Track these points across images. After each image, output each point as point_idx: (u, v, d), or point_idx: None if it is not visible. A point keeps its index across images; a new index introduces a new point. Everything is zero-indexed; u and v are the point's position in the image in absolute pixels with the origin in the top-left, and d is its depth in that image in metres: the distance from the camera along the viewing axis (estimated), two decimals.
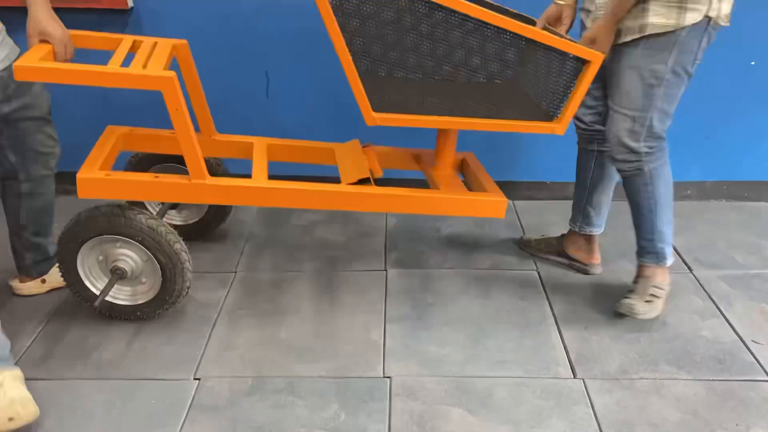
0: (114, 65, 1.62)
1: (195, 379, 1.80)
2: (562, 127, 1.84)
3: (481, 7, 1.66)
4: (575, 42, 1.75)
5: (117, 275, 1.88)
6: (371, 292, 2.20)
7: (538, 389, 1.80)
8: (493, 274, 2.32)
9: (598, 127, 2.07)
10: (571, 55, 1.74)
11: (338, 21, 1.62)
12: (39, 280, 2.10)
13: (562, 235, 2.38)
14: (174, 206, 2.37)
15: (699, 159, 2.81)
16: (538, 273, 2.34)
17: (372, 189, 1.92)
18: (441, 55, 1.74)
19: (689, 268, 2.39)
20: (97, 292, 1.92)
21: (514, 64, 1.77)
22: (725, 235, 2.62)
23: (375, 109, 1.77)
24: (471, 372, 1.86)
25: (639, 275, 2.08)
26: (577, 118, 2.10)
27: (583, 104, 2.02)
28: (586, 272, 2.32)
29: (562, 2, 1.97)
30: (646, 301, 2.01)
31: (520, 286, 2.26)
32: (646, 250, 2.05)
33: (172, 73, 1.61)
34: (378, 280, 2.26)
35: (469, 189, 2.09)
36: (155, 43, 1.84)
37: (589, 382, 1.83)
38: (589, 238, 2.30)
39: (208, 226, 2.42)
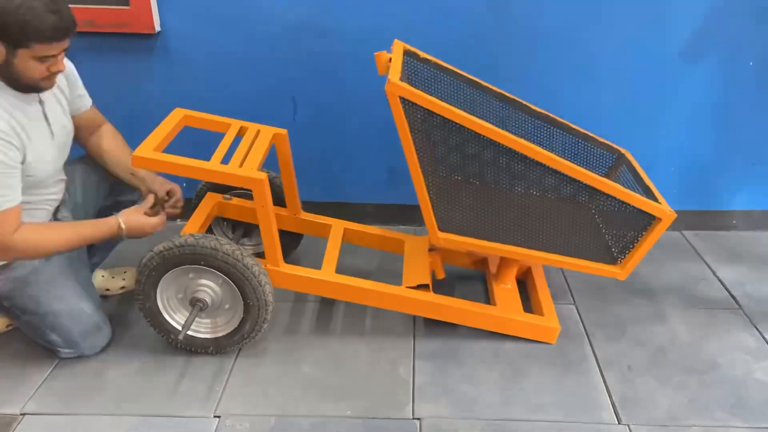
0: (215, 162, 1.76)
1: (215, 416, 1.72)
2: (624, 273, 1.90)
3: (561, 158, 1.74)
4: (647, 199, 1.79)
5: (198, 307, 1.83)
6: (400, 325, 2.10)
7: None
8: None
9: None
10: (642, 210, 1.79)
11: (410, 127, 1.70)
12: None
13: None
14: (246, 234, 2.36)
15: (746, 186, 2.67)
16: (576, 307, 2.21)
17: (429, 297, 1.98)
18: (507, 178, 1.81)
19: (739, 304, 2.24)
20: (176, 326, 1.89)
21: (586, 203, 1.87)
22: None
23: (441, 229, 1.86)
24: (507, 415, 1.74)
25: None
26: None
27: None
28: None
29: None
30: None
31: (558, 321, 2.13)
32: None
33: (263, 175, 1.72)
34: (406, 313, 2.15)
35: (529, 299, 2.21)
36: (258, 131, 1.98)
37: (636, 428, 1.70)
38: None
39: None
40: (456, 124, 1.69)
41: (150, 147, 1.74)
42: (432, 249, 2.19)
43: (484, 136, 1.70)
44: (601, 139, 2.10)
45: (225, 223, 2.35)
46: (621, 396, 1.81)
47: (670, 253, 2.58)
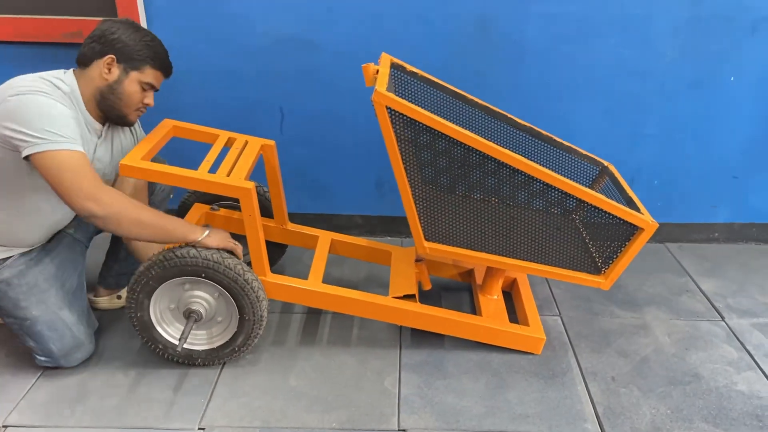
0: (203, 171, 1.76)
1: (200, 429, 1.71)
2: (608, 282, 1.93)
3: (538, 166, 1.76)
4: (630, 210, 1.82)
5: (193, 319, 1.82)
6: (386, 336, 2.11)
7: None
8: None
9: None
10: (625, 221, 1.82)
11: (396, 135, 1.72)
12: (115, 295, 2.18)
13: None
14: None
15: (727, 200, 2.71)
16: (562, 319, 2.23)
17: (415, 307, 1.99)
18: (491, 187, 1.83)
19: (721, 315, 2.27)
20: (170, 339, 1.88)
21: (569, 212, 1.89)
22: (757, 280, 2.51)
23: (427, 238, 1.87)
24: (491, 426, 1.74)
25: None
26: None
27: None
28: None
29: None
30: None
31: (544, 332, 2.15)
32: None
33: (251, 184, 1.73)
34: (392, 325, 2.16)
35: (515, 310, 2.23)
36: (246, 142, 2.00)
37: None
38: None
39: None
40: (441, 133, 1.71)
41: (138, 156, 1.75)
42: (418, 260, 2.21)
43: (470, 146, 1.72)
44: (585, 152, 2.12)
45: None
46: (605, 407, 1.82)
47: (653, 265, 2.61)
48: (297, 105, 2.47)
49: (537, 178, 1.76)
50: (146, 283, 1.77)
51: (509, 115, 2.10)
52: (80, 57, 1.72)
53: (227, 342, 1.87)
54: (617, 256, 1.88)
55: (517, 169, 1.75)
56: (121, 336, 2.05)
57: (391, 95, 1.65)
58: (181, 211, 2.25)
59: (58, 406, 1.76)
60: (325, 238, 2.27)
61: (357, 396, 1.84)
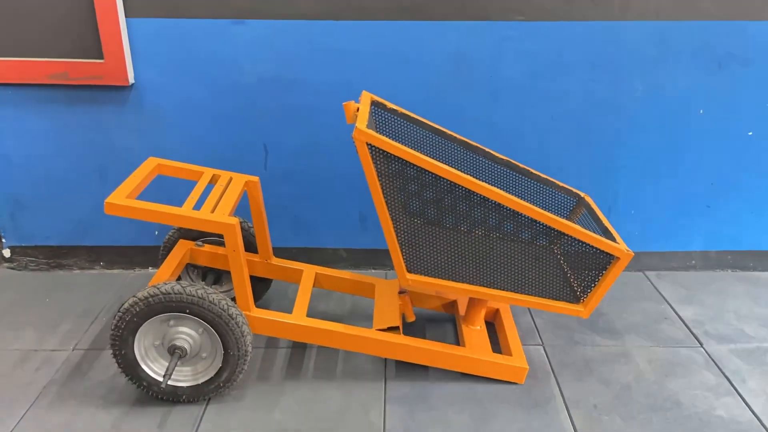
0: (187, 208, 1.81)
1: None
2: (587, 311, 1.97)
3: (515, 198, 1.82)
4: (606, 239, 1.87)
5: (177, 355, 1.83)
6: (370, 368, 2.12)
7: None
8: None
9: None
10: (601, 250, 1.88)
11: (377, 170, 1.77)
12: None
13: None
14: (216, 281, 2.39)
15: (702, 228, 2.78)
16: (544, 348, 2.26)
17: (399, 339, 2.02)
18: (474, 220, 1.88)
19: (699, 342, 2.31)
20: (154, 375, 1.87)
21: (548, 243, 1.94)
22: (733, 306, 2.56)
23: (409, 270, 1.91)
24: None
25: None
26: None
27: None
28: None
29: None
30: None
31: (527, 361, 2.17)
32: None
33: (235, 220, 1.77)
34: (377, 357, 2.18)
35: (498, 340, 2.28)
36: (230, 179, 2.06)
37: None
38: None
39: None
40: (421, 168, 1.76)
41: (123, 194, 1.77)
42: (402, 291, 2.24)
43: (448, 180, 1.77)
44: (562, 184, 2.19)
45: (195, 270, 2.37)
46: None
47: (633, 293, 2.66)
48: (280, 142, 2.52)
49: (516, 211, 1.81)
50: (130, 320, 1.78)
51: (487, 149, 2.16)
52: None
53: (212, 378, 1.88)
54: (595, 284, 1.93)
55: (497, 203, 1.80)
56: (105, 376, 2.04)
57: (371, 132, 1.71)
58: (164, 250, 2.27)
59: None
60: (309, 272, 2.29)
61: (342, 429, 1.84)
